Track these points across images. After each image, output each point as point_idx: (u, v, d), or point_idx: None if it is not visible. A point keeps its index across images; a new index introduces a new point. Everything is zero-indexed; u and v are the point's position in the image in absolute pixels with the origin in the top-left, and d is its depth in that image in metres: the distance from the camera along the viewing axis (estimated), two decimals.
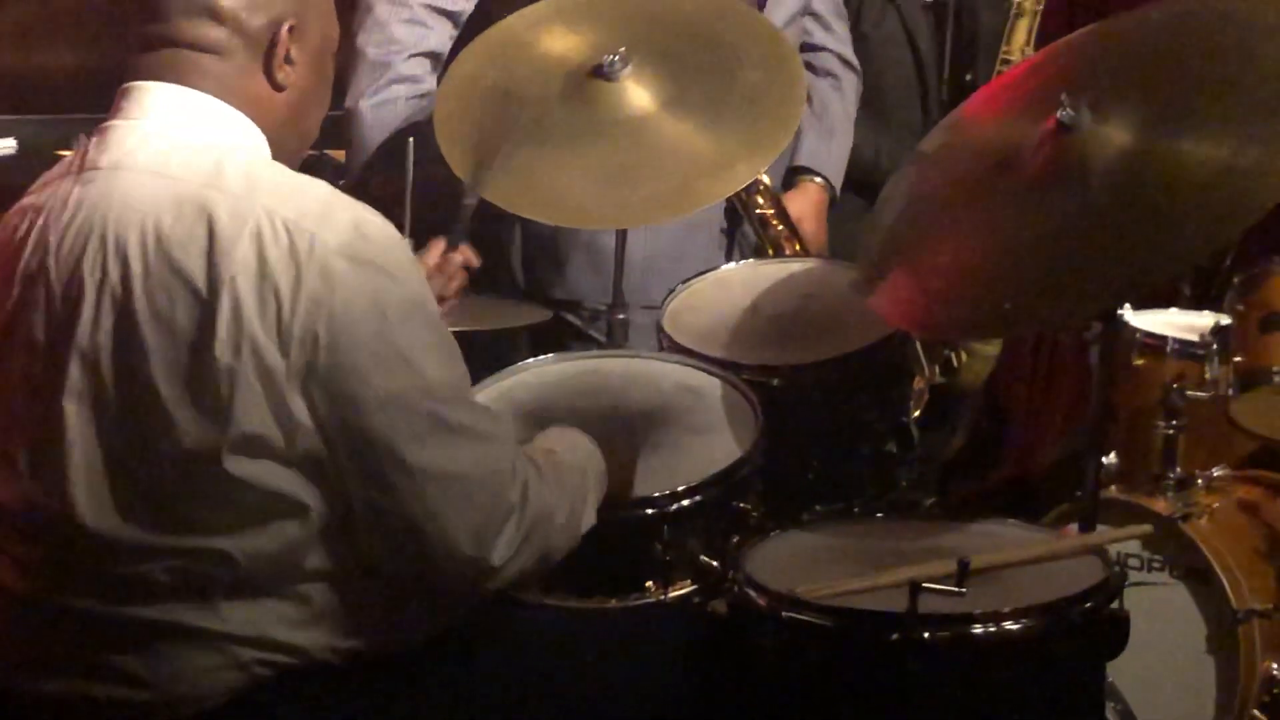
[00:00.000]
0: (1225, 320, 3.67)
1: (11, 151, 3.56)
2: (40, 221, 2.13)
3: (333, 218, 2.05)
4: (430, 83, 3.23)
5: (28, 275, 2.11)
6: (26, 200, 2.19)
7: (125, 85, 2.17)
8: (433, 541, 2.08)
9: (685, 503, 2.57)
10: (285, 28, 2.16)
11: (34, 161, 3.49)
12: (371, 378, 2.03)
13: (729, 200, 3.38)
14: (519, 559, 2.14)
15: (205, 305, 2.00)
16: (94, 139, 2.16)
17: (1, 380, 2.14)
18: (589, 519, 2.33)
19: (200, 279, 2.01)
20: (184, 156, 2.10)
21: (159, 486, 2.05)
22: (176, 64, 2.15)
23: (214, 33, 2.14)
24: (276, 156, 2.19)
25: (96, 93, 3.72)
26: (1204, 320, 3.82)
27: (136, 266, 2.04)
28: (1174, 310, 4.00)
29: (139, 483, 2.06)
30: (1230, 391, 3.60)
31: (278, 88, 2.18)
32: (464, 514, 2.08)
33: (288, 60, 2.17)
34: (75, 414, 2.06)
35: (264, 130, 2.17)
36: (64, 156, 3.43)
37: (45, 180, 2.20)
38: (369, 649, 2.16)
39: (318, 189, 2.10)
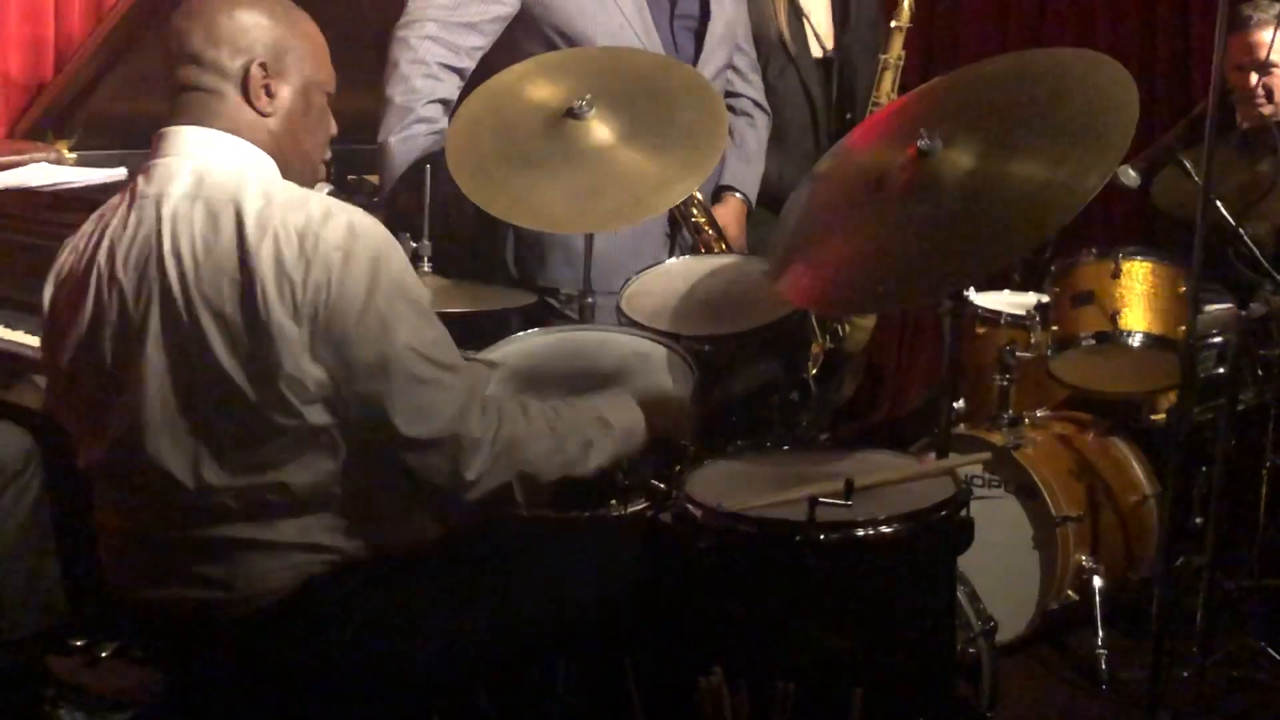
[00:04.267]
0: (1045, 299, 3.69)
1: (122, 178, 3.52)
2: (106, 243, 2.11)
3: (330, 222, 2.03)
4: (443, 123, 3.21)
5: (101, 284, 2.09)
6: (85, 229, 2.17)
7: (159, 131, 2.15)
8: (414, 465, 2.07)
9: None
10: (255, 64, 2.12)
11: None
12: (359, 342, 2.01)
13: (671, 211, 3.37)
14: (490, 478, 2.10)
15: (244, 296, 1.99)
16: (140, 176, 2.13)
17: (91, 368, 2.11)
18: (596, 458, 2.27)
19: (238, 275, 2.00)
20: (212, 180, 2.07)
21: (227, 438, 2.04)
22: (190, 106, 2.14)
23: (204, 76, 2.12)
24: (287, 173, 2.17)
25: None
26: (1029, 299, 3.84)
27: (189, 268, 2.02)
28: (1007, 291, 4.03)
29: (210, 437, 2.04)
30: (1049, 352, 3.62)
31: (262, 114, 2.14)
32: (438, 445, 2.06)
33: (267, 92, 2.14)
34: (154, 390, 2.05)
35: (267, 151, 2.15)
36: None
37: (100, 213, 2.18)
38: (391, 546, 2.15)
39: (318, 199, 2.08)
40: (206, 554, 2.08)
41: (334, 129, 2.28)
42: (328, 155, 2.30)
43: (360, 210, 2.09)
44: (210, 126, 2.12)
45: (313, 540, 2.09)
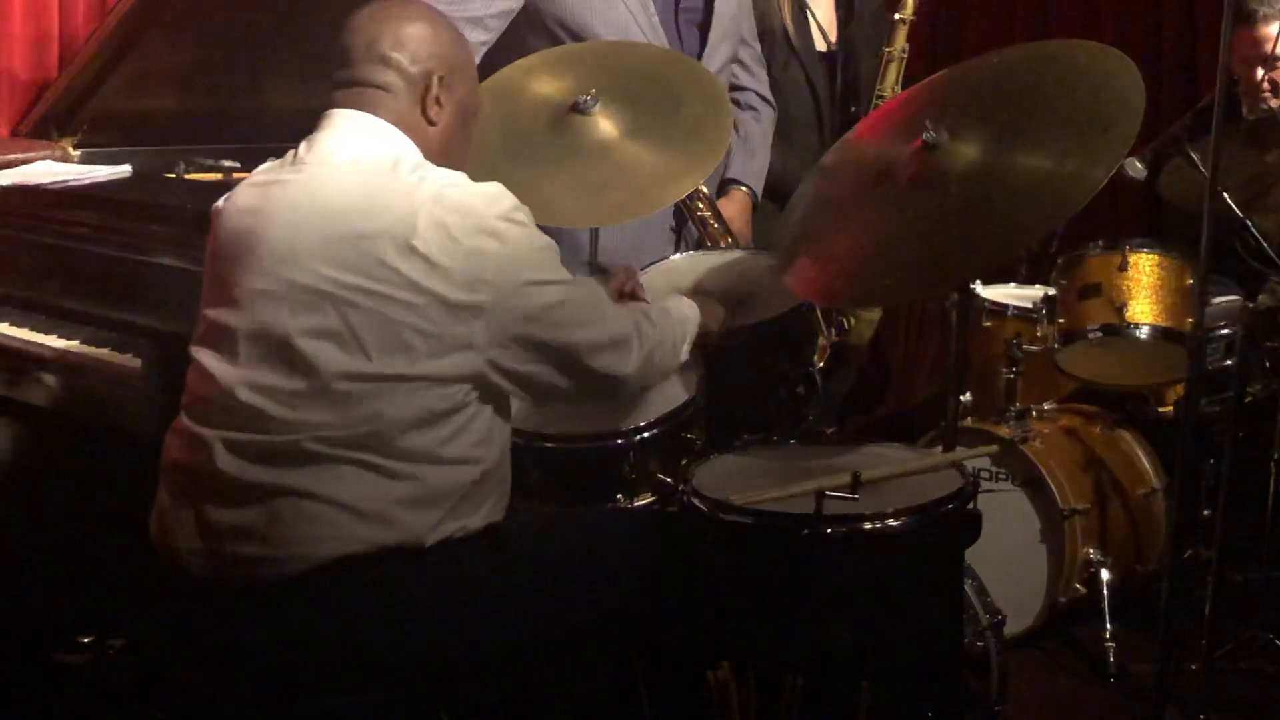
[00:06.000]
0: (1052, 291, 3.68)
1: (127, 175, 3.53)
2: (261, 193, 2.23)
3: (480, 197, 2.16)
4: None
5: (249, 229, 2.21)
6: (250, 183, 2.29)
7: (326, 112, 2.28)
8: (586, 371, 2.26)
9: (646, 434, 2.59)
10: (436, 77, 2.26)
11: (144, 184, 3.47)
12: (520, 298, 2.15)
13: (676, 205, 3.37)
14: (642, 372, 2.33)
15: (393, 264, 2.10)
16: (303, 144, 2.26)
17: (228, 297, 2.20)
18: (684, 353, 2.50)
19: (389, 243, 2.10)
20: (370, 157, 2.21)
21: (338, 391, 2.12)
22: (360, 97, 2.26)
23: (385, 75, 2.26)
24: None
25: (192, 130, 3.73)
26: (1035, 291, 3.83)
27: (337, 229, 2.13)
28: (1013, 284, 4.02)
29: (322, 387, 2.12)
30: (1056, 345, 3.61)
31: (430, 122, 2.29)
32: (601, 352, 2.26)
33: (438, 102, 2.27)
34: (269, 330, 2.14)
35: (417, 147, 2.26)
36: (167, 179, 3.45)
37: (266, 169, 2.31)
38: (446, 530, 2.18)
39: (466, 180, 2.20)
40: (265, 505, 2.12)
41: (467, 156, 2.41)
42: None
43: (498, 187, 2.20)
44: (371, 114, 2.25)
45: (378, 509, 2.12)
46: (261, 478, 2.13)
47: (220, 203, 2.31)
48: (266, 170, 2.30)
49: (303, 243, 2.14)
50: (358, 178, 2.19)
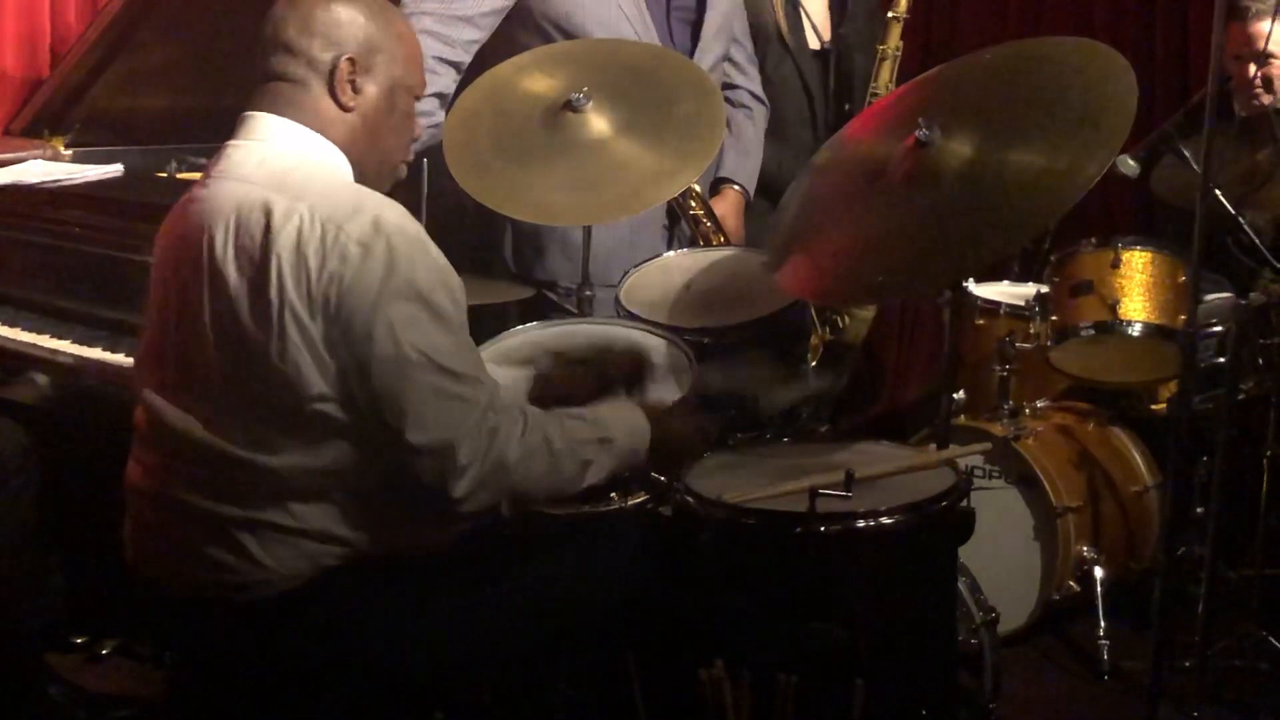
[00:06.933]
0: (1044, 289, 3.68)
1: (118, 174, 3.52)
2: (183, 214, 2.17)
3: (358, 216, 2.04)
4: (440, 116, 3.20)
5: (171, 252, 2.17)
6: (184, 198, 2.22)
7: (242, 114, 2.19)
8: (410, 466, 2.05)
9: None
10: (344, 59, 2.15)
11: (135, 183, 3.47)
12: (366, 341, 2.01)
13: (669, 203, 3.37)
14: (476, 499, 2.06)
15: (263, 280, 2.02)
16: (220, 154, 2.18)
17: (160, 326, 2.16)
18: (592, 477, 2.21)
19: (258, 256, 2.03)
20: (266, 167, 2.11)
21: (251, 413, 2.06)
22: (274, 94, 2.17)
23: (293, 66, 2.15)
24: (363, 169, 2.20)
25: (183, 128, 3.73)
26: (1028, 289, 3.84)
27: (220, 248, 2.06)
28: (1006, 282, 4.03)
29: (239, 410, 2.06)
30: (1049, 343, 3.61)
31: (343, 109, 2.17)
32: (431, 454, 2.03)
33: (353, 88, 2.17)
34: (202, 358, 2.09)
35: (342, 147, 2.18)
36: (159, 178, 3.45)
37: (202, 180, 2.22)
38: (401, 544, 2.15)
39: (353, 194, 2.10)
40: (223, 531, 2.09)
41: (418, 132, 2.32)
42: (410, 157, 2.33)
43: (398, 208, 2.10)
44: (290, 118, 2.16)
45: (327, 530, 2.09)
46: (223, 509, 2.09)
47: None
48: (198, 184, 2.21)
49: (206, 264, 2.07)
50: (249, 191, 2.08)
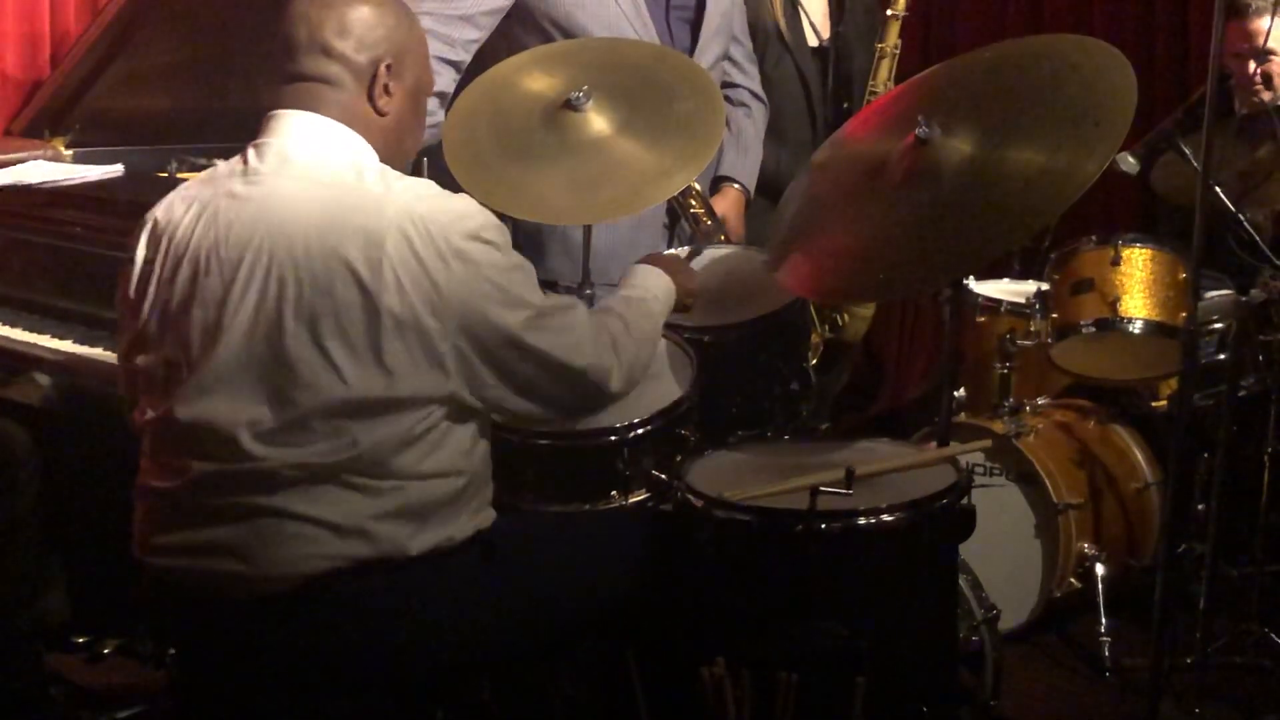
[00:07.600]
0: (1045, 286, 3.68)
1: (119, 174, 3.52)
2: (209, 210, 2.12)
3: (448, 214, 2.08)
4: (440, 115, 3.20)
5: (199, 251, 2.11)
6: (187, 195, 2.18)
7: (270, 112, 2.17)
8: (561, 397, 2.22)
9: (640, 431, 2.57)
10: (384, 65, 2.17)
11: (136, 183, 3.47)
12: (484, 326, 2.08)
13: (669, 201, 3.36)
14: (626, 386, 2.29)
15: (366, 283, 2.02)
16: (251, 151, 2.15)
17: (174, 328, 2.12)
18: (660, 329, 2.52)
19: (360, 261, 2.03)
20: (331, 167, 2.12)
21: (308, 410, 2.05)
22: (305, 94, 2.16)
23: (329, 67, 2.15)
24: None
25: (183, 129, 3.73)
26: (1029, 287, 3.84)
27: (299, 250, 2.04)
28: (1006, 279, 4.03)
29: (285, 407, 2.05)
30: (1049, 340, 3.62)
31: (380, 113, 2.19)
32: (578, 377, 2.20)
33: (386, 91, 2.18)
34: (236, 358, 2.06)
35: (372, 147, 2.18)
36: (159, 178, 3.45)
37: (205, 178, 2.19)
38: (430, 541, 2.14)
39: (435, 192, 2.13)
40: (235, 526, 2.08)
41: (421, 135, 2.34)
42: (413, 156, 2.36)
43: (469, 199, 2.15)
44: (318, 113, 2.15)
45: (358, 525, 2.08)
46: (239, 501, 2.08)
47: (157, 214, 2.20)
48: (207, 181, 2.19)
49: (269, 264, 2.06)
50: (321, 192, 2.09)
